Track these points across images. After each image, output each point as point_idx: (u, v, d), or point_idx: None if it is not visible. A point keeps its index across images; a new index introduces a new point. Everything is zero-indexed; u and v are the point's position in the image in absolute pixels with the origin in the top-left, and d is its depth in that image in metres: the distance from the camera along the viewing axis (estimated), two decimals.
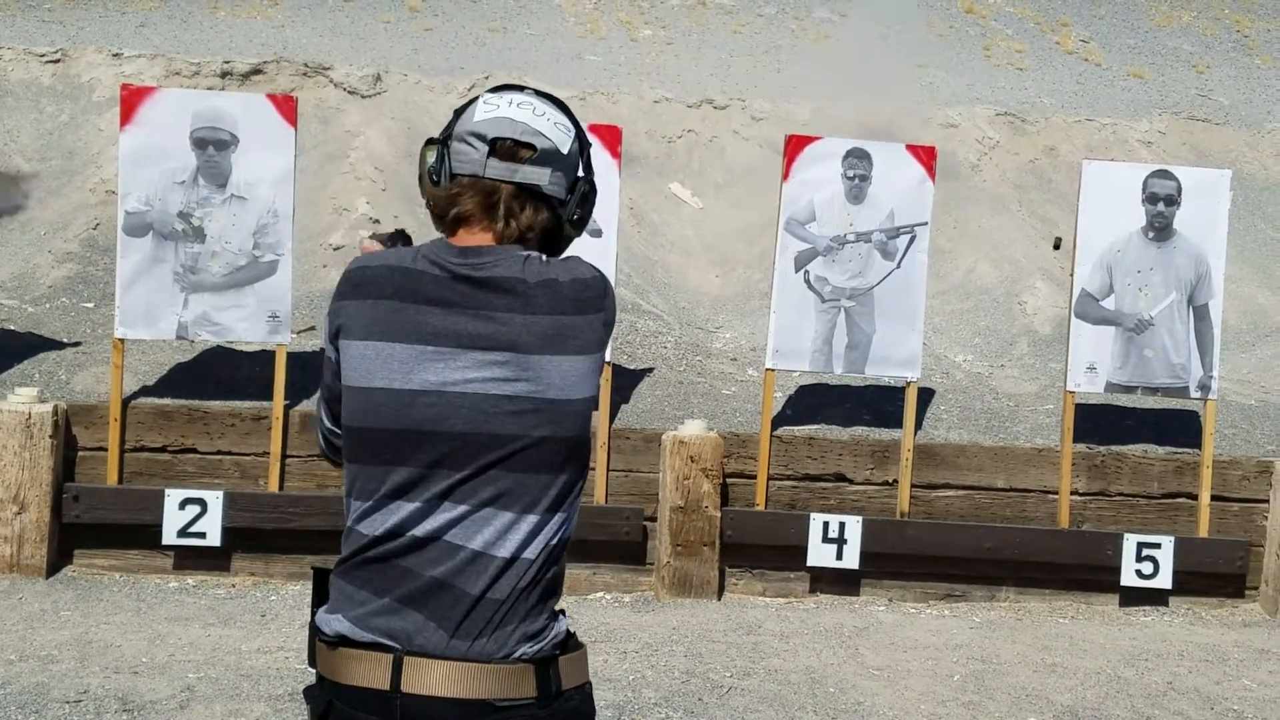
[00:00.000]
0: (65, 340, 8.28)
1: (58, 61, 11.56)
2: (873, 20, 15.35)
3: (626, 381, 8.37)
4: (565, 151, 2.27)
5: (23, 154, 10.73)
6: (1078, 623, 7.60)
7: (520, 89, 2.33)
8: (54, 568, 7.32)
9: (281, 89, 11.16)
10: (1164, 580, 7.77)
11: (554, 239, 2.32)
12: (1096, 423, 8.30)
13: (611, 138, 7.82)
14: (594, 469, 7.65)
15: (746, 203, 11.40)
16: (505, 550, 2.15)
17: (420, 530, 2.17)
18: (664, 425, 7.84)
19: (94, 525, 7.37)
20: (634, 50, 13.87)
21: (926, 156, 7.99)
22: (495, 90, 2.32)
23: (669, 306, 10.04)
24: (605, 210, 7.78)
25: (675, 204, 11.51)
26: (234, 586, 7.39)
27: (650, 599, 7.59)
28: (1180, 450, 8.13)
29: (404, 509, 2.18)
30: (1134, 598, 7.88)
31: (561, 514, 2.20)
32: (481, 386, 2.17)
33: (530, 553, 2.16)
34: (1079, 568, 7.84)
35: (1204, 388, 8.00)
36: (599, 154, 7.74)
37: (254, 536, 7.47)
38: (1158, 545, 7.77)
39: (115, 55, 11.50)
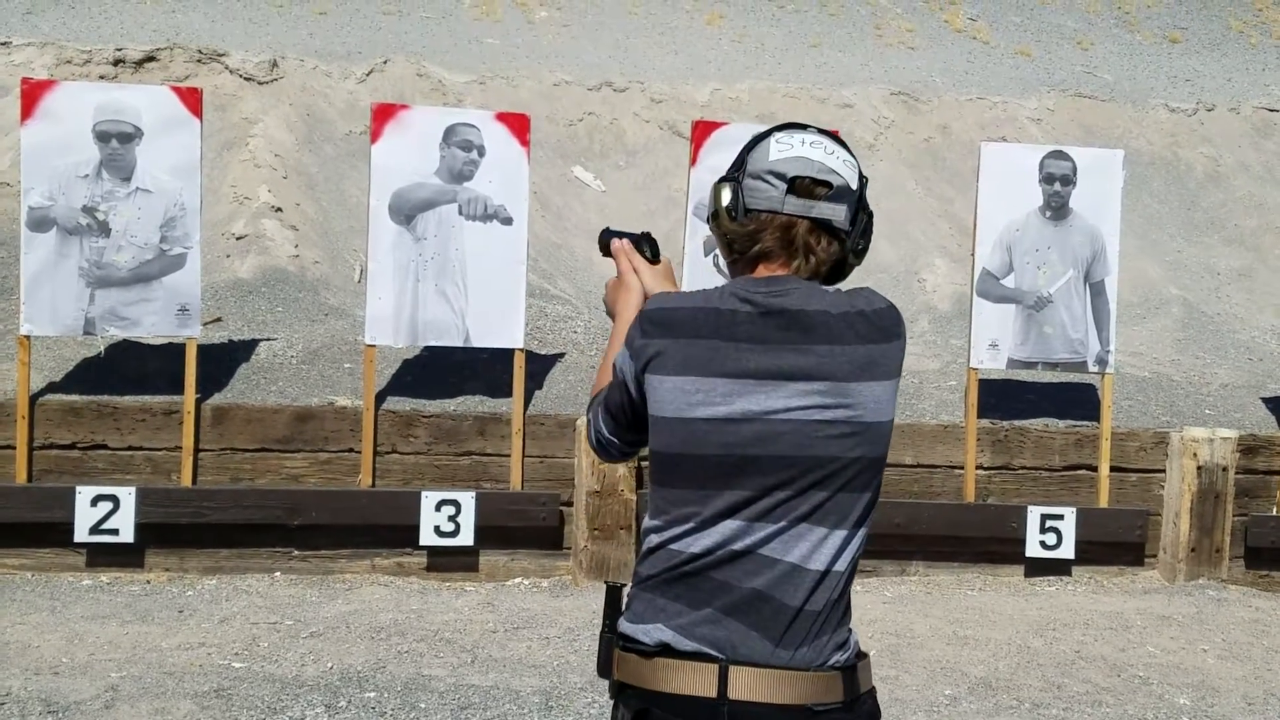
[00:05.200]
0: None
1: None
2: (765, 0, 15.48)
3: (539, 368, 8.40)
4: (854, 187, 2.40)
5: None
6: (985, 594, 7.80)
7: (804, 128, 2.45)
8: None
9: (176, 76, 11.00)
10: (1067, 550, 8.01)
11: (839, 269, 2.46)
12: (999, 398, 8.51)
13: (520, 126, 7.82)
14: (509, 455, 7.70)
15: (649, 185, 11.48)
16: (818, 564, 2.29)
17: (739, 545, 2.29)
18: (577, 410, 7.90)
19: (4, 524, 7.26)
20: (531, 33, 13.86)
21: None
22: (783, 129, 2.44)
23: (577, 291, 10.08)
24: (515, 198, 7.82)
25: (578, 187, 11.55)
26: (149, 582, 7.33)
27: (568, 583, 7.66)
28: (1080, 423, 8.37)
29: (727, 527, 2.30)
30: (1038, 568, 8.10)
31: (864, 529, 2.34)
32: (803, 414, 2.30)
33: (840, 565, 2.30)
34: (985, 540, 8.05)
35: (1101, 362, 8.25)
36: (508, 143, 7.77)
37: (168, 532, 7.41)
38: (1060, 516, 8.00)
39: (3, 44, 11.25)
